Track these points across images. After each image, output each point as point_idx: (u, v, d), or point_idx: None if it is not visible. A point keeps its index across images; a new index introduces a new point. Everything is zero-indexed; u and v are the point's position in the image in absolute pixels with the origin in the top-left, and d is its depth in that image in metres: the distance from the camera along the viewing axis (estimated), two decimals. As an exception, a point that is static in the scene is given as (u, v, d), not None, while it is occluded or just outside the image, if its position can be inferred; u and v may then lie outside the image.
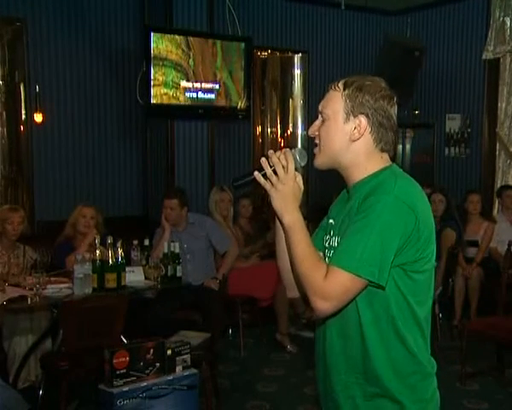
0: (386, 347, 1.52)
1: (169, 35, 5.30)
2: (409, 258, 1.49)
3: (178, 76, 5.39)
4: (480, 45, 6.24)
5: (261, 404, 3.98)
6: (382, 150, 1.58)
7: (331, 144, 1.57)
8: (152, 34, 5.21)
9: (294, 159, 1.54)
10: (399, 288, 1.51)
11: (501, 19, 6.00)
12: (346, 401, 1.58)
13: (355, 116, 1.54)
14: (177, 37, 5.34)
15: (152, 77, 5.23)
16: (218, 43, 5.59)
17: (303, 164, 1.57)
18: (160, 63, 5.27)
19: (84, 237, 4.17)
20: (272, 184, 1.52)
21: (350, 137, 1.55)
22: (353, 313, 1.52)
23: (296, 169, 1.54)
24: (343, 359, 1.56)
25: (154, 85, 5.25)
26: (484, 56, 6.17)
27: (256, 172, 1.54)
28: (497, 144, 6.34)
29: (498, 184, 6.27)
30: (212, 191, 5.32)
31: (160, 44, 5.25)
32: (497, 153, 6.36)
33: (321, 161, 1.60)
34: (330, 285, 1.44)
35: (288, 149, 1.56)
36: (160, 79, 5.29)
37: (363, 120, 1.54)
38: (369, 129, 1.55)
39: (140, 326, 4.00)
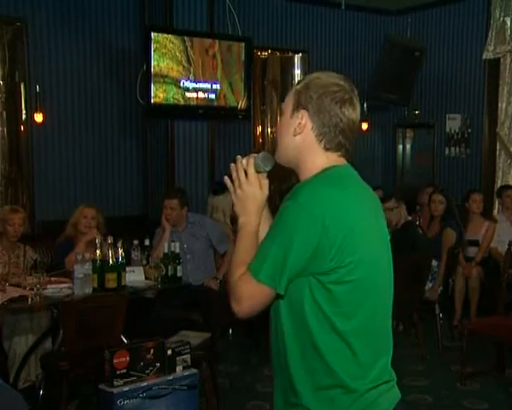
0: (304, 358, 1.48)
1: (169, 35, 5.30)
2: (321, 268, 1.42)
3: (178, 76, 5.39)
4: (481, 45, 6.24)
5: (261, 404, 3.98)
6: (327, 149, 1.53)
7: (281, 139, 1.59)
8: (152, 34, 5.21)
9: (257, 164, 1.56)
10: (315, 299, 1.44)
11: (501, 19, 6.00)
12: (276, 403, 1.59)
13: (298, 111, 1.53)
14: (177, 37, 5.34)
15: (152, 77, 5.23)
16: (219, 43, 5.59)
17: (267, 169, 1.57)
18: (160, 63, 5.27)
19: (85, 237, 4.18)
20: (234, 188, 1.57)
21: (293, 131, 1.54)
22: (279, 320, 1.51)
23: (259, 173, 1.56)
24: (276, 362, 1.56)
25: (154, 85, 5.25)
26: (484, 56, 6.17)
27: (226, 177, 1.61)
28: (498, 144, 6.34)
29: (498, 184, 6.27)
30: (210, 197, 5.33)
31: (161, 44, 5.24)
32: (498, 153, 6.36)
33: (278, 157, 1.60)
34: (239, 288, 1.47)
35: (252, 155, 1.58)
36: (160, 79, 5.29)
37: (304, 114, 1.52)
38: (309, 125, 1.52)
39: (140, 326, 3.99)
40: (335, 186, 1.48)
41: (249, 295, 1.46)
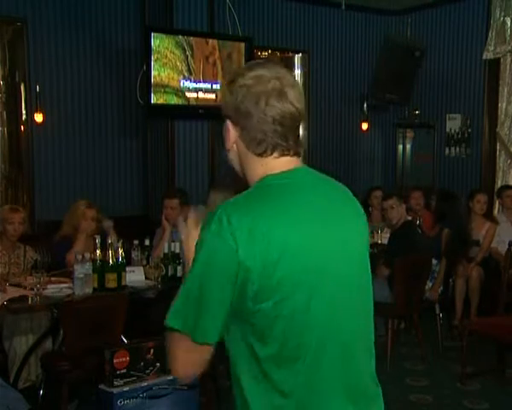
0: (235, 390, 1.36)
1: (169, 35, 5.30)
2: (243, 304, 1.23)
3: (178, 76, 5.39)
4: (481, 45, 6.24)
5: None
6: (259, 155, 1.32)
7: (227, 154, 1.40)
8: (152, 34, 5.21)
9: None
10: (247, 344, 1.28)
11: (501, 19, 6.00)
12: None
13: (224, 121, 1.35)
14: (177, 37, 5.34)
15: (152, 77, 5.23)
16: (219, 49, 5.59)
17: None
18: (161, 63, 5.27)
19: (83, 235, 4.20)
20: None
21: (226, 144, 1.37)
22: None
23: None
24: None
25: (154, 85, 5.25)
26: (484, 56, 6.17)
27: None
28: (498, 144, 6.34)
29: (499, 184, 6.27)
30: (213, 192, 5.31)
31: (161, 44, 5.25)
32: (498, 153, 6.36)
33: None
34: (171, 344, 1.32)
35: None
36: (161, 78, 5.29)
37: (228, 124, 1.34)
38: (235, 134, 1.33)
39: (140, 326, 3.99)
40: (254, 205, 1.25)
41: (176, 353, 1.32)
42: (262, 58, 6.74)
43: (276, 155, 1.32)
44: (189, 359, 1.30)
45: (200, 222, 1.34)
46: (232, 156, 1.38)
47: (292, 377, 1.25)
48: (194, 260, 1.25)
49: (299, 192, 1.31)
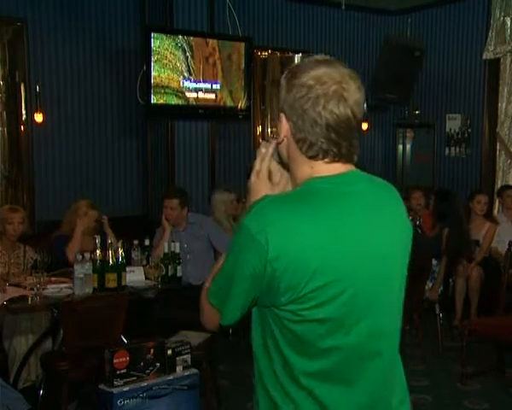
0: (258, 397, 1.34)
1: (169, 36, 5.30)
2: (275, 301, 1.23)
3: (178, 76, 5.39)
4: (481, 45, 6.24)
5: (261, 404, 3.97)
6: (310, 157, 1.27)
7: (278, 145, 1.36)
8: (152, 34, 5.21)
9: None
10: (274, 334, 1.26)
11: (501, 19, 6.00)
12: None
13: (279, 113, 1.31)
14: (177, 38, 5.33)
15: (152, 77, 5.23)
16: (219, 43, 5.59)
17: (279, 160, 1.39)
18: (161, 64, 5.27)
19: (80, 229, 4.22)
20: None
21: (279, 137, 1.32)
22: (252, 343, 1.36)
23: (279, 163, 1.39)
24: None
25: (154, 85, 5.25)
26: (484, 56, 6.17)
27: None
28: (498, 144, 6.34)
29: (499, 184, 6.27)
30: (217, 194, 5.29)
31: (161, 44, 5.25)
32: (498, 153, 6.36)
33: None
34: (201, 301, 1.37)
35: (273, 141, 1.39)
36: (161, 79, 5.29)
37: (282, 117, 1.30)
38: (289, 129, 1.28)
39: (140, 326, 3.99)
40: (293, 206, 1.23)
41: (205, 311, 1.35)
42: (262, 58, 6.75)
43: (326, 160, 1.27)
44: (212, 319, 1.34)
45: (269, 156, 1.34)
46: (282, 150, 1.34)
47: (329, 390, 1.25)
48: (232, 244, 1.27)
49: (343, 198, 1.27)
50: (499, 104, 6.21)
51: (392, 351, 1.35)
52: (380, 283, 1.28)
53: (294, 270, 1.18)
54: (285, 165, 1.36)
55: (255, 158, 1.38)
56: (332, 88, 1.23)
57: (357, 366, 1.26)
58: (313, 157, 1.27)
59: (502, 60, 6.15)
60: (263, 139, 6.70)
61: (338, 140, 1.25)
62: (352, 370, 1.26)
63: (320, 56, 1.29)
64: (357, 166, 1.34)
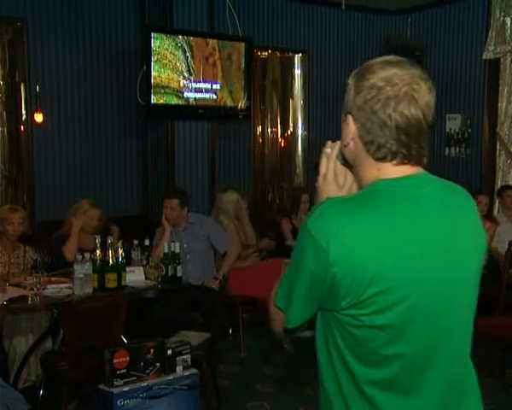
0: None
1: (169, 36, 5.30)
2: (334, 304, 1.22)
3: (178, 76, 5.39)
4: (481, 45, 6.25)
5: (261, 404, 3.98)
6: (378, 159, 1.25)
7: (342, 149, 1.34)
8: (152, 34, 5.21)
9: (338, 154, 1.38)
10: (336, 339, 1.25)
11: (501, 19, 5.99)
12: None
13: (345, 114, 1.29)
14: (177, 38, 5.33)
15: (152, 77, 5.23)
16: (219, 43, 5.59)
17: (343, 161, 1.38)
18: (161, 63, 5.27)
19: (86, 234, 4.23)
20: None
21: (344, 139, 1.30)
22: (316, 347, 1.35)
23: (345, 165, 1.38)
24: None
25: (154, 85, 5.25)
26: (484, 56, 6.17)
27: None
28: (498, 144, 6.34)
29: (499, 184, 6.27)
30: (227, 193, 5.28)
31: (161, 44, 5.25)
32: (498, 153, 6.36)
33: None
34: (269, 306, 1.35)
35: (338, 142, 1.38)
36: (161, 79, 5.29)
37: (349, 119, 1.27)
38: (357, 131, 1.26)
39: (140, 326, 4.00)
40: (356, 209, 1.21)
41: (272, 315, 1.34)
42: (262, 58, 6.75)
43: (394, 162, 1.24)
44: (279, 322, 1.32)
45: (334, 157, 1.34)
46: (347, 153, 1.31)
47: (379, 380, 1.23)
48: (296, 245, 1.26)
49: (410, 201, 1.23)
50: (499, 104, 6.21)
51: (461, 359, 1.31)
52: (449, 288, 1.25)
53: (354, 275, 1.17)
54: (350, 166, 1.35)
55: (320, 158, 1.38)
56: (403, 89, 1.20)
57: (418, 376, 1.23)
58: (381, 159, 1.24)
59: (502, 60, 6.15)
60: (264, 139, 6.71)
61: (408, 142, 1.22)
62: (413, 379, 1.23)
63: (389, 57, 1.26)
64: (428, 169, 1.31)
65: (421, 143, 1.24)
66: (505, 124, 6.21)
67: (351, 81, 1.28)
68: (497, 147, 6.35)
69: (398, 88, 1.20)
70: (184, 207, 4.58)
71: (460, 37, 6.56)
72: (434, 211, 1.25)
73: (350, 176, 1.36)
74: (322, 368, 1.31)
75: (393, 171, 1.25)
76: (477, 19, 6.34)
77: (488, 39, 6.09)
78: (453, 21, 6.61)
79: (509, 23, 5.97)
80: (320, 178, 1.36)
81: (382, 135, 1.22)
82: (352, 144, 1.28)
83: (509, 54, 6.09)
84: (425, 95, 1.23)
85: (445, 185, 1.33)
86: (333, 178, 1.34)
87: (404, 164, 1.25)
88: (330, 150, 1.36)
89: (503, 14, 5.98)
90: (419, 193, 1.25)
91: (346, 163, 1.34)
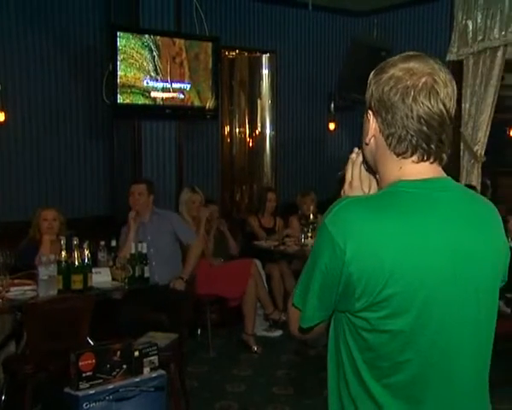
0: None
1: (136, 35, 5.25)
2: (349, 307, 1.20)
3: (145, 75, 5.34)
4: (444, 47, 6.35)
5: (230, 404, 3.97)
6: (398, 154, 1.23)
7: (363, 148, 1.34)
8: (118, 33, 5.15)
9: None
10: (348, 343, 1.24)
11: (463, 21, 6.10)
12: None
13: (366, 111, 1.28)
14: (143, 37, 5.29)
15: (118, 76, 5.16)
16: (186, 42, 5.56)
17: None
18: (127, 62, 5.21)
19: (48, 237, 4.15)
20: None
21: (365, 136, 1.29)
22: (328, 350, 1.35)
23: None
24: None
25: (120, 85, 5.19)
26: (448, 57, 6.27)
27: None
28: (462, 144, 6.46)
29: (462, 183, 6.38)
30: (183, 192, 5.31)
31: (127, 43, 5.19)
32: (462, 153, 6.47)
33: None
34: (288, 309, 1.35)
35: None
36: (127, 78, 5.23)
37: (370, 115, 1.26)
38: (377, 127, 1.25)
39: (107, 328, 3.95)
40: (374, 209, 1.18)
41: (290, 315, 1.33)
42: (230, 58, 6.74)
43: (414, 158, 1.22)
44: (295, 323, 1.31)
45: (359, 163, 1.34)
46: (368, 154, 1.30)
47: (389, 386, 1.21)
48: (314, 242, 1.25)
49: (432, 205, 1.21)
50: (463, 104, 6.32)
51: (475, 381, 1.28)
52: (465, 298, 1.22)
53: (370, 275, 1.15)
54: (373, 171, 1.33)
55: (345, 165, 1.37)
56: (422, 80, 1.19)
57: (428, 385, 1.21)
58: (401, 154, 1.22)
59: (465, 61, 6.27)
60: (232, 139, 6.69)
61: (429, 134, 1.20)
62: (422, 388, 1.21)
63: (410, 52, 1.25)
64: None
65: (441, 137, 1.21)
66: (469, 124, 6.32)
67: (371, 77, 1.26)
68: (461, 147, 6.46)
69: (416, 78, 1.19)
70: (150, 195, 4.61)
71: (424, 38, 6.67)
72: (456, 216, 1.22)
73: (374, 183, 1.34)
74: (331, 371, 1.30)
75: (415, 170, 1.23)
76: (441, 21, 6.46)
77: (451, 41, 6.20)
78: (418, 23, 6.72)
79: (470, 26, 6.08)
80: (346, 185, 1.35)
81: (403, 126, 1.20)
82: (372, 142, 1.27)
83: (471, 56, 6.20)
84: (445, 87, 1.21)
85: (467, 193, 1.30)
86: (359, 185, 1.34)
87: (424, 161, 1.23)
88: (355, 156, 1.35)
89: (465, 17, 6.09)
90: (440, 196, 1.22)
91: (370, 169, 1.33)
